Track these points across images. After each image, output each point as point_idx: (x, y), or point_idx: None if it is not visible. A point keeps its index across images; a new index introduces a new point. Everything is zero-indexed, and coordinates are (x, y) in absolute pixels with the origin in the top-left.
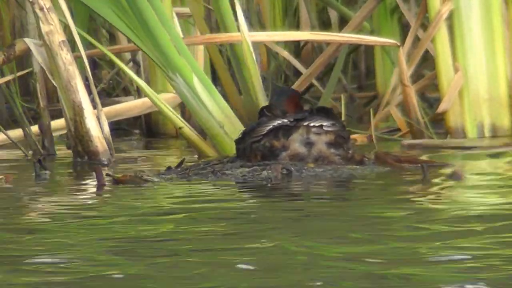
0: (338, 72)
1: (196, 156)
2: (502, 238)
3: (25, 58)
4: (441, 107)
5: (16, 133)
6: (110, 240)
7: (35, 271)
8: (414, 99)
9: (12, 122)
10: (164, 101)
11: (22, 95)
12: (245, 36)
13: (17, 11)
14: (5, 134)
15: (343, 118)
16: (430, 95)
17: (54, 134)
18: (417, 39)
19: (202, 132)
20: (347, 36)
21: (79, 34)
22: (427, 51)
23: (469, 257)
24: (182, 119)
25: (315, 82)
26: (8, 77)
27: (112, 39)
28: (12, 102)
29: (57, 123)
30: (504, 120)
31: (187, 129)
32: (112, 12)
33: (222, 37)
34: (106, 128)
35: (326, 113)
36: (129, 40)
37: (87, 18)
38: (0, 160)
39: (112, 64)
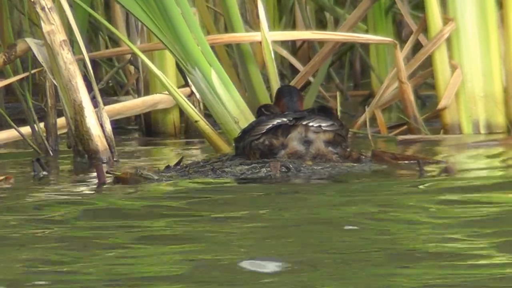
0: (326, 66)
1: (195, 154)
2: None
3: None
4: (442, 104)
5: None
6: (109, 238)
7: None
8: (411, 96)
9: (5, 122)
10: (162, 100)
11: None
12: (266, 35)
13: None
14: (18, 131)
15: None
16: (422, 93)
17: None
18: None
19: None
20: (346, 35)
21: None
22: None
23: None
24: (198, 113)
25: (312, 80)
26: (23, 75)
27: (111, 40)
28: (23, 99)
29: (58, 122)
30: (498, 117)
31: (203, 123)
32: (140, 9)
33: (243, 36)
34: (108, 127)
35: (326, 113)
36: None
37: (86, 19)
38: None
39: (110, 64)
